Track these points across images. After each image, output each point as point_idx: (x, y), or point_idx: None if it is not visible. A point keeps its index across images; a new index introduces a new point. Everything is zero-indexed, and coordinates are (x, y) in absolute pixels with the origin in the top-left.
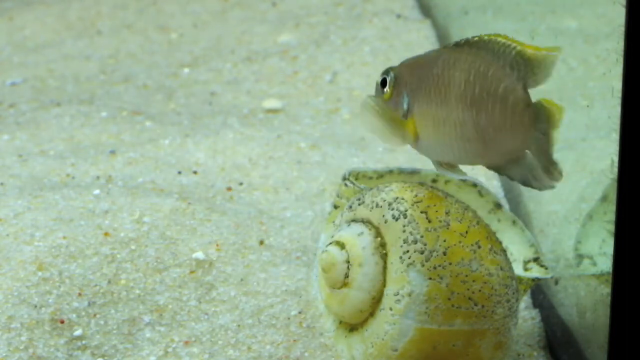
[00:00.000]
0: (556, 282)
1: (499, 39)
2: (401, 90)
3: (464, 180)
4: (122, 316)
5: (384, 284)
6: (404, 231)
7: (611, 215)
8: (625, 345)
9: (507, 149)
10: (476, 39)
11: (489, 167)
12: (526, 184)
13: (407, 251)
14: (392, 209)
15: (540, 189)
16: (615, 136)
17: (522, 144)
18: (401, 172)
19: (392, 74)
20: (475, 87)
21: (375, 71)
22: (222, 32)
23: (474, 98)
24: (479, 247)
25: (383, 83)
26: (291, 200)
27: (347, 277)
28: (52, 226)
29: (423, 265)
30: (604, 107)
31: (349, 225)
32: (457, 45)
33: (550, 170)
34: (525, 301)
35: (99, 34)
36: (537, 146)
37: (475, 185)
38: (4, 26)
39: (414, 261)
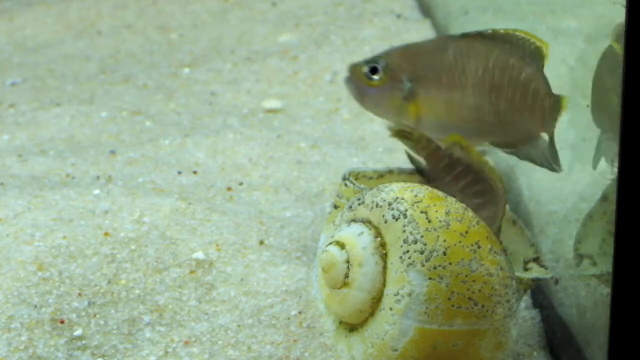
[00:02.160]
0: (556, 282)
1: (518, 32)
2: (398, 77)
3: None
4: (122, 316)
5: (384, 284)
6: (404, 231)
7: (611, 215)
8: (625, 345)
9: (524, 131)
10: (490, 31)
11: (499, 145)
12: (542, 164)
13: (407, 251)
14: (392, 209)
15: (552, 170)
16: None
17: (541, 128)
18: (401, 172)
19: (383, 61)
20: (494, 74)
21: None
22: (222, 32)
23: (494, 84)
24: (479, 247)
25: (373, 70)
26: (291, 200)
27: (347, 277)
28: (52, 226)
29: (423, 265)
30: None
31: (349, 225)
32: (466, 35)
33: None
34: (525, 301)
35: (99, 34)
36: (550, 132)
37: None
38: (4, 26)
39: (414, 261)
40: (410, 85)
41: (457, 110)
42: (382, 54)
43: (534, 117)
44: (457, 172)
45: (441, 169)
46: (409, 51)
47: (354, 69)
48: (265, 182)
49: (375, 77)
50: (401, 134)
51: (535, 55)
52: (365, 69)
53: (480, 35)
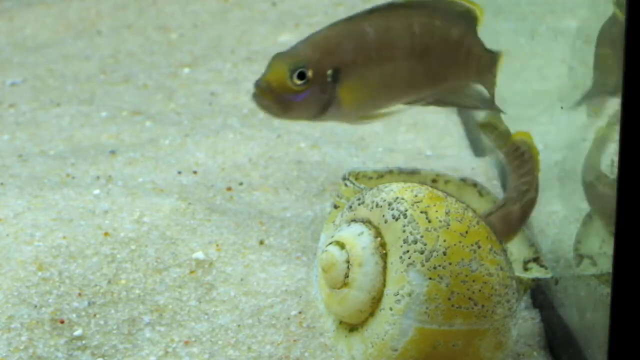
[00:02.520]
0: (556, 282)
1: None
2: (323, 72)
3: (464, 180)
4: (122, 316)
5: (384, 284)
6: (404, 231)
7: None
8: (625, 345)
9: (454, 85)
10: (402, 0)
11: (419, 100)
12: (475, 108)
13: (407, 251)
14: (392, 209)
15: (487, 109)
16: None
17: (474, 81)
18: (401, 172)
19: (303, 62)
20: (422, 39)
21: None
22: (222, 32)
23: (424, 48)
24: (479, 247)
25: (301, 75)
26: (291, 200)
27: (347, 277)
28: (52, 226)
29: (423, 265)
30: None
31: (349, 225)
32: (376, 10)
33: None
34: (525, 301)
35: (99, 34)
36: (488, 84)
37: (475, 185)
38: (4, 26)
39: (414, 261)
40: (337, 75)
41: (391, 82)
42: (292, 55)
43: (468, 72)
44: (523, 162)
45: (514, 161)
46: (324, 43)
47: (269, 82)
48: (265, 182)
49: (302, 81)
50: (488, 126)
51: (463, 17)
52: (293, 77)
53: (392, 7)
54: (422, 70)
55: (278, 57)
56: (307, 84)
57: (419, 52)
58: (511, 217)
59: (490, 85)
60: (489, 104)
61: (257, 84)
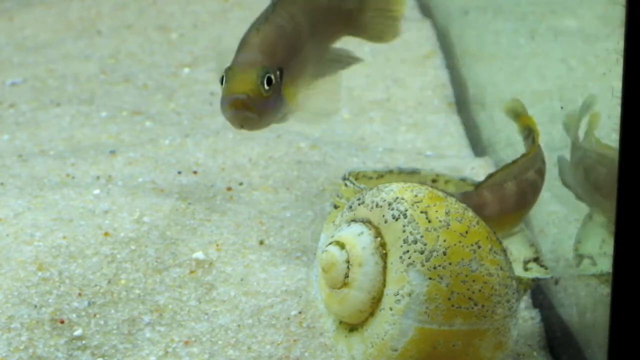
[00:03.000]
0: (556, 282)
1: None
2: (277, 75)
3: (464, 180)
4: (122, 316)
5: (384, 284)
6: (404, 231)
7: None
8: (625, 345)
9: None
10: None
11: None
12: (347, 65)
13: (407, 251)
14: (392, 209)
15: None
16: (615, 136)
17: (352, 34)
18: (401, 172)
19: (267, 68)
20: (313, 15)
21: (375, 71)
22: (222, 32)
23: (315, 23)
24: (479, 247)
25: (269, 81)
26: (291, 200)
27: (347, 277)
28: (52, 226)
29: (423, 265)
30: (604, 107)
31: (349, 225)
32: (275, 5)
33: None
34: (525, 301)
35: (99, 34)
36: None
37: (475, 185)
38: (4, 26)
39: (414, 261)
40: (281, 76)
41: (306, 65)
42: (253, 63)
43: (340, 29)
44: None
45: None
46: (266, 46)
47: (246, 93)
48: (265, 182)
49: (270, 87)
50: (514, 111)
51: None
52: (264, 83)
53: None
54: (318, 43)
55: (240, 67)
56: (272, 89)
57: (314, 29)
58: (504, 193)
59: (360, 31)
60: (352, 58)
61: (235, 99)
